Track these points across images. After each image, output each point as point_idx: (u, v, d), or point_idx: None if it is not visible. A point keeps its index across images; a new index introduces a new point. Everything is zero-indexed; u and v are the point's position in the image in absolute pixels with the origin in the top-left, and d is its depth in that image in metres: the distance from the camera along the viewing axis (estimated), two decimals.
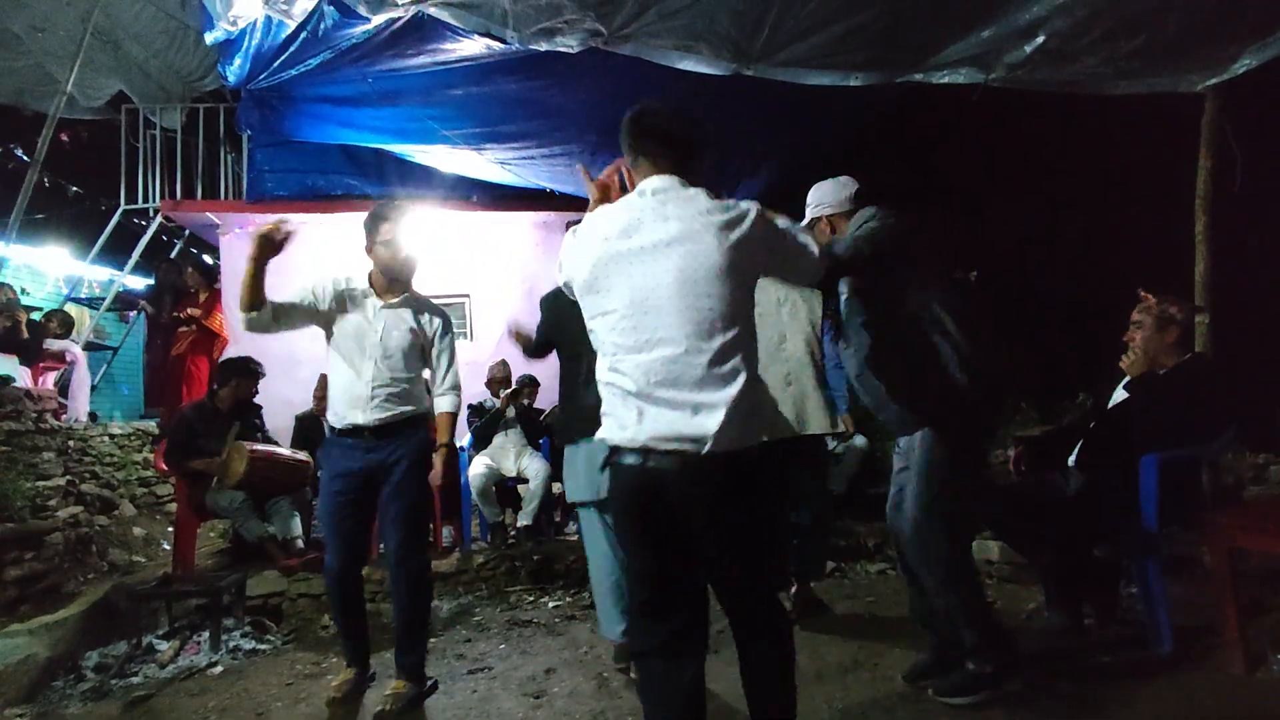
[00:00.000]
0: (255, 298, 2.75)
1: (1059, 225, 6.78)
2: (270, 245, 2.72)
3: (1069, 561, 3.07)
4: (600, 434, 1.89)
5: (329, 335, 2.95)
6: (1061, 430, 3.76)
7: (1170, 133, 4.31)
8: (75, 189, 11.51)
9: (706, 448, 1.73)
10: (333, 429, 2.93)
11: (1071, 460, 3.16)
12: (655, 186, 1.86)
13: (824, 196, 2.74)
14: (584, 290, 1.89)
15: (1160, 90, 3.89)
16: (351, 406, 2.88)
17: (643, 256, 1.79)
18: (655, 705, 1.85)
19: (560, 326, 3.06)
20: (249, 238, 2.75)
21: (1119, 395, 3.18)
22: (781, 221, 1.92)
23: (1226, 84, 3.80)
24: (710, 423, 1.73)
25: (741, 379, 1.77)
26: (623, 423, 1.81)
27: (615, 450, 1.86)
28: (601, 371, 1.88)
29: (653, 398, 1.77)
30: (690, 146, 1.92)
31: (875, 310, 2.54)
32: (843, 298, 2.63)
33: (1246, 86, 3.80)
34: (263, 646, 3.67)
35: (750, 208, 1.84)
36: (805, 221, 2.18)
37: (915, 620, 2.73)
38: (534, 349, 3.35)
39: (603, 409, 1.88)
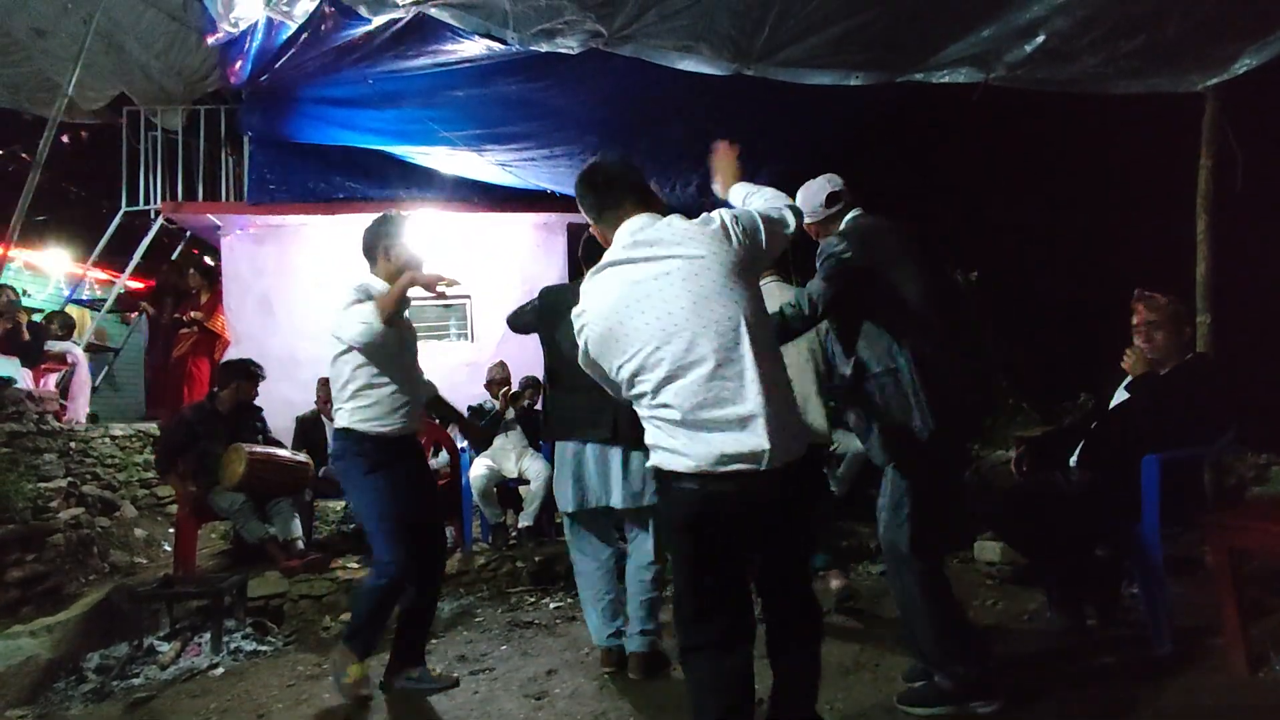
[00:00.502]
0: (398, 313, 2.85)
1: (1059, 225, 6.78)
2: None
3: (1070, 562, 3.07)
4: (653, 462, 1.91)
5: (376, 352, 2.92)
6: (1063, 430, 3.76)
7: (1170, 133, 4.31)
8: (77, 191, 11.52)
9: (764, 465, 1.76)
10: (387, 438, 2.92)
11: (1073, 460, 3.16)
12: (634, 227, 1.92)
13: (803, 204, 2.66)
14: (602, 344, 1.89)
15: (1160, 90, 3.89)
16: (411, 414, 3.00)
17: (649, 291, 1.82)
18: (707, 694, 1.89)
19: (549, 327, 3.08)
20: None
21: (1120, 395, 3.18)
22: (744, 212, 1.95)
23: (1227, 84, 3.80)
24: (760, 437, 1.76)
25: (777, 377, 1.84)
26: (674, 450, 1.82)
27: (669, 475, 1.86)
28: (644, 410, 1.89)
29: (699, 422, 1.78)
30: (644, 183, 2.02)
31: (852, 339, 2.55)
32: (830, 329, 2.67)
33: (1247, 87, 3.79)
34: (264, 648, 3.67)
35: (719, 213, 1.90)
36: (791, 229, 2.23)
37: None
38: (519, 326, 3.37)
39: (649, 440, 1.90)
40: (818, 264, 2.57)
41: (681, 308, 1.79)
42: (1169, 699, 2.44)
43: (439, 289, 2.83)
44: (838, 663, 2.94)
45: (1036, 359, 5.85)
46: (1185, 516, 2.97)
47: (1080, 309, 6.00)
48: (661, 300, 1.81)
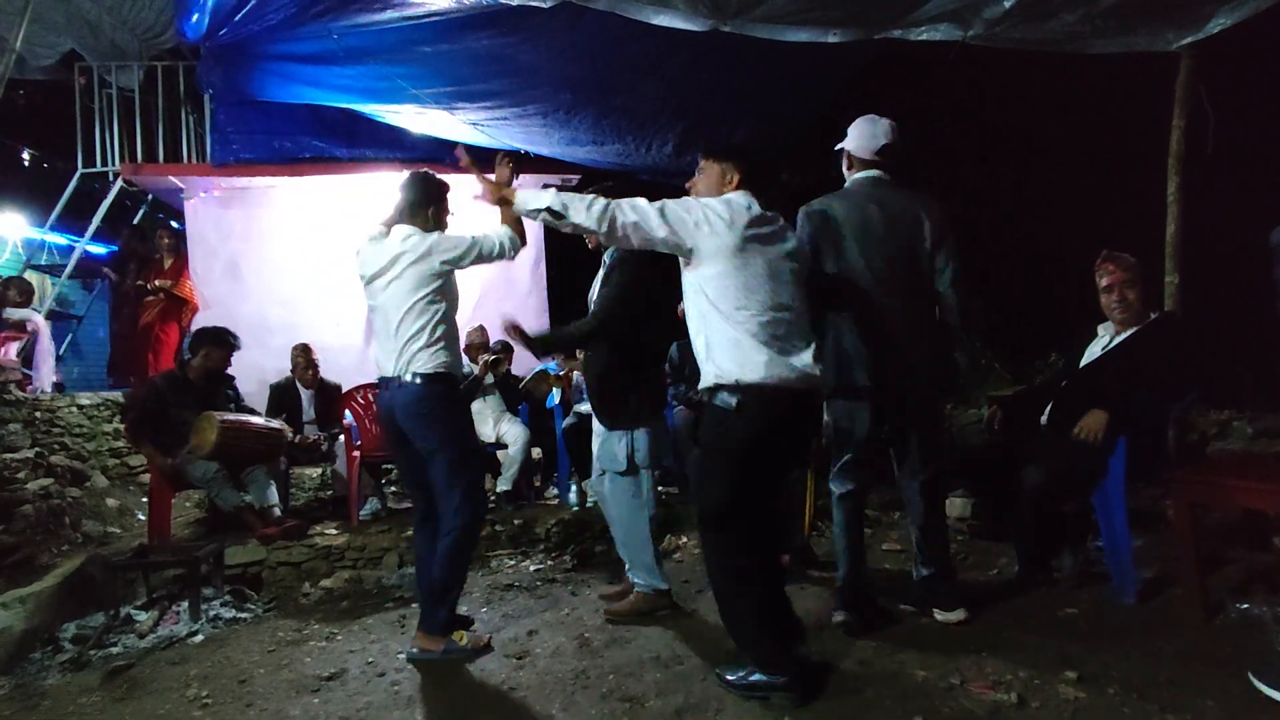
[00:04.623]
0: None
1: (1029, 184, 6.81)
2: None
3: (1039, 518, 3.14)
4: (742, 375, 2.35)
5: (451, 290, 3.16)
6: (1034, 389, 3.82)
7: (1141, 93, 4.31)
8: (31, 151, 11.10)
9: (815, 382, 2.43)
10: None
11: (1044, 419, 3.22)
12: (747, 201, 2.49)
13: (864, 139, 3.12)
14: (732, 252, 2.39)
15: (1136, 49, 3.88)
16: None
17: (775, 243, 2.45)
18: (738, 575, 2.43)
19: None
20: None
21: (1091, 354, 3.24)
22: None
23: (1201, 43, 3.80)
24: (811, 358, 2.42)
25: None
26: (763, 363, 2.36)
27: (744, 388, 2.34)
28: (745, 323, 2.35)
29: (779, 344, 2.36)
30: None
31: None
32: None
33: (1222, 48, 3.80)
34: (243, 615, 3.66)
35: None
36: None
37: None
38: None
39: (738, 356, 2.36)
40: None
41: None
42: (1132, 646, 2.53)
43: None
44: (816, 618, 2.99)
45: (1007, 319, 5.92)
46: (1150, 472, 3.05)
47: (1050, 268, 6.06)
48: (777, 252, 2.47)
